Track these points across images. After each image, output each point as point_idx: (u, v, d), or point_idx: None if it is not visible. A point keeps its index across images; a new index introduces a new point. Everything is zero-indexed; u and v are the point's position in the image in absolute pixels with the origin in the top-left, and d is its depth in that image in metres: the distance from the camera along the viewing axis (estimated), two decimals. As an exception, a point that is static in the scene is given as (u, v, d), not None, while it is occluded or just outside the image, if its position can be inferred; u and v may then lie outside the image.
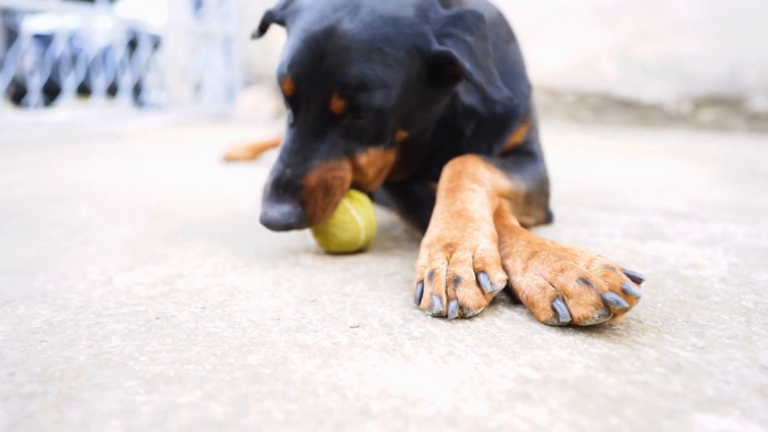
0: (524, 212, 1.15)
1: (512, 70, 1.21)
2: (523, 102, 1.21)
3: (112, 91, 5.02)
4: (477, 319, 0.75)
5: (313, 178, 0.95)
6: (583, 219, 1.40)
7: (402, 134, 1.02)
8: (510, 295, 0.83)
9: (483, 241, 0.83)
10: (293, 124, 0.98)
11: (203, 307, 0.79)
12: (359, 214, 1.03)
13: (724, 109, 3.84)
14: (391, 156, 1.05)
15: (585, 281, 0.69)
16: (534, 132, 1.28)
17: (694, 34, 3.84)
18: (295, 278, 0.93)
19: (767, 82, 3.70)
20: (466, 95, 1.11)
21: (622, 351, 0.66)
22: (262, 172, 2.23)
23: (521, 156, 1.22)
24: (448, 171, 1.02)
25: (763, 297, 0.85)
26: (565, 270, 0.72)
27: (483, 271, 0.78)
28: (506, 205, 1.04)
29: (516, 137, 1.23)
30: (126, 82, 4.45)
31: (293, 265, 1.00)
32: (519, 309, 0.79)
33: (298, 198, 0.95)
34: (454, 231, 0.86)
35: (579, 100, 4.22)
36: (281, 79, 0.96)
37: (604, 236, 1.23)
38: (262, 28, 1.17)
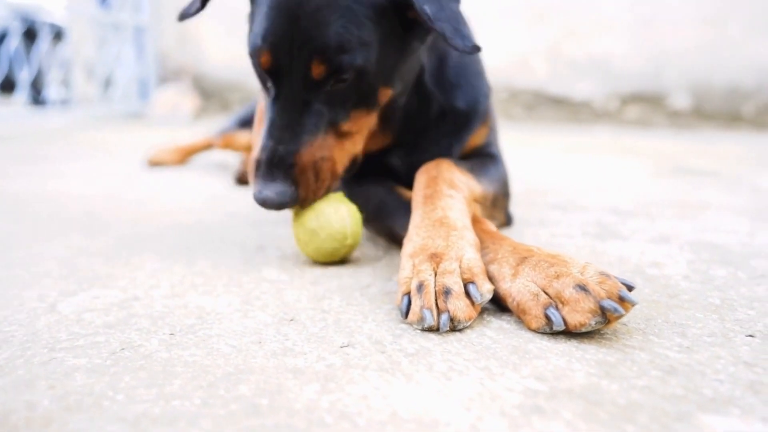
0: (490, 216, 1.18)
1: (469, 66, 1.24)
2: (482, 101, 1.24)
3: (7, 87, 4.65)
4: (467, 331, 0.76)
5: (304, 156, 0.96)
6: (539, 220, 1.45)
7: (386, 92, 1.03)
8: (494, 303, 0.85)
9: (468, 251, 0.84)
10: (276, 98, 0.97)
11: (172, 333, 0.75)
12: (350, 216, 1.03)
13: (648, 106, 4.11)
14: (373, 118, 1.05)
15: (582, 288, 0.71)
16: (494, 134, 1.32)
17: (619, 33, 4.09)
18: (264, 295, 0.90)
19: (686, 80, 4.00)
20: (428, 76, 1.15)
21: (616, 356, 0.69)
22: (195, 177, 2.14)
23: (484, 158, 1.25)
24: (423, 176, 1.03)
25: (726, 293, 0.91)
26: (560, 276, 0.74)
27: (471, 282, 0.79)
28: (478, 210, 1.06)
29: (477, 138, 1.26)
30: (23, 77, 4.14)
31: (258, 280, 0.97)
32: (506, 317, 0.81)
33: (291, 176, 0.95)
34: (437, 240, 0.86)
35: (512, 97, 4.38)
36: (257, 52, 0.95)
37: (564, 237, 1.28)
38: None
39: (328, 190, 1.02)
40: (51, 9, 4.57)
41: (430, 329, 0.75)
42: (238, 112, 2.31)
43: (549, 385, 0.61)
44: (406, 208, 1.08)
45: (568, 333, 0.74)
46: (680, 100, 4.04)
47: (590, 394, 0.60)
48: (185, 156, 2.52)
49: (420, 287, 0.78)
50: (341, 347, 0.71)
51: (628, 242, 1.23)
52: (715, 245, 1.20)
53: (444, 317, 0.74)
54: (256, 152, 0.99)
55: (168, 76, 5.44)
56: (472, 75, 1.24)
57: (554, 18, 4.24)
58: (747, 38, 3.83)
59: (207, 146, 2.47)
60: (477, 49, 0.94)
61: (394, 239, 1.13)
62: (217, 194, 1.84)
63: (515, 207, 1.56)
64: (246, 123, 2.13)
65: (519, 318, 0.78)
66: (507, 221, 1.33)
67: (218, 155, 2.73)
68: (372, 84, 0.98)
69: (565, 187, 1.96)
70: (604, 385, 0.62)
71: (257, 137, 1.05)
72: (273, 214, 1.50)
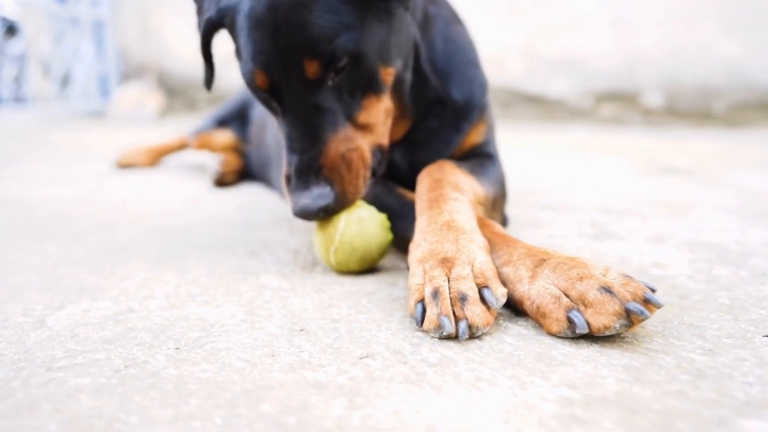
0: (489, 217, 1.18)
1: (461, 53, 1.22)
2: (478, 93, 1.23)
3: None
4: (486, 338, 0.75)
5: (329, 153, 0.94)
6: (533, 220, 1.46)
7: (389, 71, 1.01)
8: (506, 307, 0.84)
9: (479, 254, 0.84)
10: (284, 113, 0.96)
11: (177, 348, 0.72)
12: (377, 228, 1.01)
13: (622, 104, 4.20)
14: (387, 102, 1.04)
15: (607, 290, 0.71)
16: (492, 132, 1.32)
17: (593, 31, 4.16)
18: (268, 305, 0.87)
19: (659, 78, 4.10)
20: (424, 61, 1.14)
21: (641, 360, 0.69)
22: (169, 179, 2.09)
23: (482, 159, 1.24)
24: (426, 179, 1.02)
25: (733, 293, 0.93)
26: (583, 278, 0.74)
27: (486, 286, 0.78)
28: (481, 212, 1.06)
29: (475, 136, 1.25)
30: (-24, 74, 3.97)
31: (258, 288, 0.94)
32: (522, 322, 0.80)
33: (322, 177, 0.93)
34: (447, 244, 0.85)
35: (487, 95, 4.41)
36: (252, 76, 0.93)
37: (561, 238, 1.29)
38: (207, 43, 1.09)
39: (365, 182, 0.99)
40: (2, 2, 4.39)
41: (448, 337, 0.74)
42: (214, 110, 2.26)
43: (582, 393, 0.61)
44: (408, 209, 1.07)
45: (589, 337, 0.74)
46: (653, 99, 4.13)
47: (625, 401, 0.59)
48: (157, 157, 2.45)
49: (435, 294, 0.77)
50: (360, 358, 0.69)
51: (625, 242, 1.25)
52: (711, 244, 1.22)
53: (463, 325, 0.73)
54: (283, 170, 0.98)
55: (130, 72, 5.30)
56: (464, 64, 1.23)
57: (528, 16, 4.29)
58: (718, 37, 3.95)
59: (180, 147, 2.42)
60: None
61: (397, 242, 1.11)
62: (196, 197, 1.79)
63: (508, 207, 1.57)
64: (224, 122, 2.09)
65: (537, 322, 0.78)
66: (503, 223, 1.33)
67: (192, 156, 2.67)
68: (371, 65, 0.96)
69: (552, 187, 1.98)
70: (636, 391, 0.62)
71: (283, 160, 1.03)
72: (260, 218, 1.47)
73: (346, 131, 0.96)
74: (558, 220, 1.46)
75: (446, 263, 0.82)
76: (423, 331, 0.77)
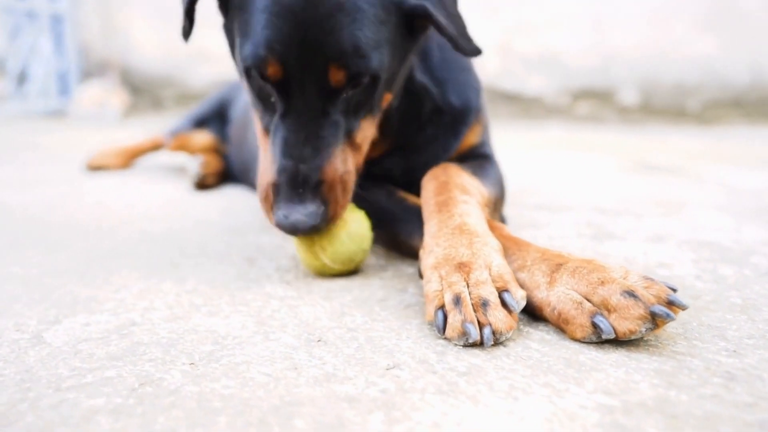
0: (492, 219, 1.18)
1: (455, 60, 1.23)
2: (474, 96, 1.24)
3: None
4: (510, 344, 0.75)
5: (330, 171, 0.92)
6: (529, 221, 1.47)
7: (388, 97, 1.01)
8: (524, 312, 0.84)
9: (495, 257, 0.83)
10: (287, 112, 0.92)
11: (192, 363, 0.70)
12: (365, 221, 1.01)
13: (598, 101, 4.27)
14: (375, 126, 1.03)
15: (630, 294, 0.72)
16: (487, 133, 1.32)
17: (569, 28, 4.23)
18: (277, 314, 0.85)
19: (635, 76, 4.19)
20: (419, 72, 1.14)
21: (670, 364, 0.69)
22: (145, 182, 2.04)
23: (481, 160, 1.25)
24: (432, 182, 1.01)
25: (743, 292, 0.95)
26: (605, 283, 0.74)
27: (505, 290, 0.78)
28: (487, 214, 1.06)
29: (472, 137, 1.26)
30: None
31: (264, 297, 0.92)
32: (542, 327, 0.80)
33: (319, 196, 0.91)
34: (461, 249, 0.85)
35: (464, 93, 4.44)
36: (261, 63, 0.88)
37: (561, 239, 1.30)
38: (191, 12, 1.04)
39: (347, 206, 0.99)
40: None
41: (473, 344, 0.74)
42: (191, 109, 2.22)
43: (619, 399, 0.61)
44: (411, 213, 1.07)
45: (613, 341, 0.75)
46: (629, 96, 4.22)
47: (664, 406, 0.60)
48: (129, 159, 2.39)
49: (457, 300, 0.76)
50: (387, 369, 0.68)
51: (626, 242, 1.26)
52: (710, 243, 1.25)
53: (487, 331, 0.73)
54: (269, 176, 0.93)
55: (92, 70, 5.16)
56: (458, 70, 1.24)
57: (505, 13, 4.33)
58: (692, 36, 4.05)
59: (154, 147, 2.36)
60: (479, 51, 0.98)
61: (398, 247, 1.11)
62: (177, 200, 1.75)
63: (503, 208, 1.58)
64: (203, 122, 2.04)
65: (560, 328, 0.78)
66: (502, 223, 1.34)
67: (167, 157, 2.61)
68: (381, 89, 0.96)
69: (541, 186, 2.00)
70: (672, 396, 0.62)
71: (261, 164, 0.99)
72: (248, 222, 1.45)
73: (344, 149, 0.95)
74: (554, 221, 1.47)
75: (463, 268, 0.81)
76: (445, 339, 0.76)
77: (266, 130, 0.97)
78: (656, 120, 4.21)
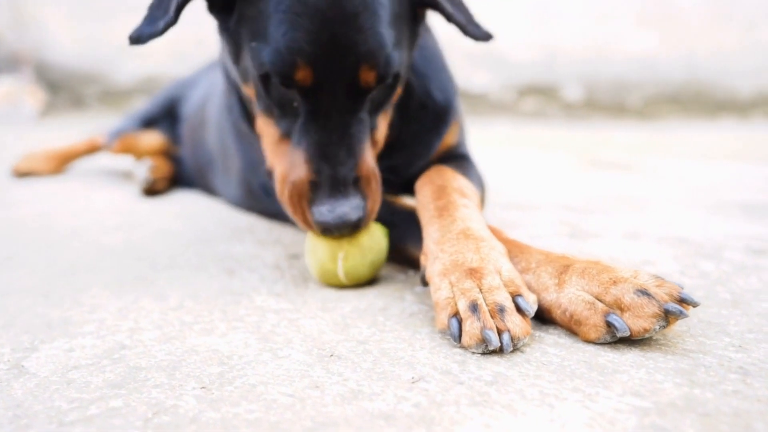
0: None
1: (434, 59, 1.26)
2: (453, 95, 1.27)
3: None
4: (526, 350, 0.77)
5: (364, 168, 0.94)
6: (504, 220, 1.50)
7: (399, 92, 1.03)
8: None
9: (504, 262, 0.85)
10: (314, 114, 0.92)
11: (203, 387, 0.67)
12: (384, 238, 1.01)
13: (543, 97, 4.42)
14: (388, 121, 1.05)
15: (644, 293, 0.75)
16: (463, 133, 1.35)
17: (513, 23, 4.35)
18: (279, 329, 0.84)
19: (578, 72, 4.36)
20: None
21: (686, 362, 0.73)
22: (83, 189, 1.94)
23: (460, 160, 1.27)
24: (428, 186, 1.02)
25: (728, 287, 1.01)
26: (617, 282, 0.77)
27: (518, 295, 0.80)
28: None
29: (451, 137, 1.28)
30: None
31: (258, 311, 0.90)
32: (552, 330, 0.83)
33: (360, 191, 0.92)
34: (468, 254, 0.86)
35: (410, 89, 4.49)
36: (288, 68, 0.88)
37: (541, 238, 1.34)
38: (182, 4, 0.98)
39: (379, 204, 1.00)
40: None
41: (491, 352, 0.75)
42: (138, 108, 2.12)
43: (650, 401, 0.64)
44: (400, 217, 1.07)
45: (626, 343, 0.78)
46: (573, 92, 4.39)
47: (694, 405, 0.63)
48: (62, 163, 2.27)
49: (474, 307, 0.77)
50: (413, 382, 0.68)
51: (605, 240, 1.32)
52: (683, 239, 1.32)
53: (506, 337, 0.74)
54: (300, 174, 0.93)
55: (1, 64, 4.85)
56: (437, 68, 1.26)
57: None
58: (632, 33, 4.26)
59: (89, 150, 2.25)
60: (491, 36, 1.01)
61: (390, 253, 1.11)
62: (126, 208, 1.68)
63: (475, 208, 1.61)
64: (151, 122, 1.96)
65: (571, 329, 0.80)
66: (481, 225, 1.36)
67: (105, 161, 2.49)
68: (398, 85, 0.98)
69: (503, 185, 2.05)
70: (698, 394, 0.65)
71: (280, 168, 0.98)
72: (213, 230, 1.41)
73: (371, 148, 0.97)
74: (527, 220, 1.52)
75: (475, 274, 0.82)
76: (461, 347, 0.77)
77: (284, 135, 0.96)
78: (599, 115, 4.40)
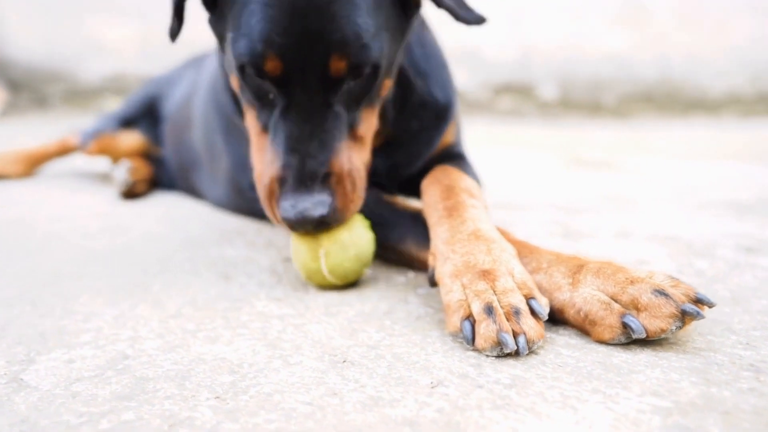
0: None
1: (435, 56, 1.26)
2: (452, 93, 1.27)
3: None
4: (540, 351, 0.77)
5: (337, 165, 0.91)
6: (496, 221, 1.51)
7: (388, 84, 1.02)
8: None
9: (515, 263, 0.85)
10: (287, 107, 0.91)
11: (217, 397, 0.66)
12: (366, 233, 1.00)
13: (519, 96, 4.47)
14: (376, 116, 1.03)
15: (661, 293, 0.76)
16: (460, 132, 1.36)
17: (489, 23, 4.38)
18: (285, 335, 0.83)
19: (553, 70, 4.42)
20: (404, 64, 1.17)
21: (698, 361, 0.74)
22: (58, 192, 1.89)
23: (458, 161, 1.27)
24: (435, 185, 1.02)
25: (727, 285, 1.03)
26: (634, 282, 0.78)
27: (532, 297, 0.80)
28: None
29: (449, 136, 1.29)
30: None
31: (261, 317, 0.89)
32: (562, 331, 0.83)
33: (328, 186, 0.90)
34: (480, 255, 0.86)
35: (386, 88, 4.49)
36: (259, 58, 0.87)
37: (537, 238, 1.35)
38: (180, 11, 1.02)
39: (359, 203, 0.97)
40: None
41: (506, 355, 0.75)
42: (115, 108, 2.06)
43: (670, 400, 0.65)
44: (400, 217, 1.07)
45: (637, 343, 0.79)
46: (548, 91, 4.45)
47: (713, 404, 0.64)
48: (33, 165, 2.21)
49: (489, 310, 0.77)
50: (432, 387, 0.68)
51: (598, 240, 1.33)
52: (674, 238, 1.35)
53: (522, 340, 0.74)
54: (272, 171, 0.92)
55: (-42, 62, 4.70)
56: (438, 66, 1.27)
57: (424, 7, 4.41)
58: (607, 32, 4.33)
59: (62, 151, 2.19)
60: (483, 19, 1.01)
61: (385, 253, 1.10)
62: (106, 212, 1.64)
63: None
64: (130, 122, 1.91)
65: (584, 330, 0.81)
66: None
67: (79, 163, 2.43)
68: (381, 76, 0.96)
69: (490, 184, 2.06)
70: (715, 393, 0.67)
71: (259, 163, 0.97)
72: (201, 233, 1.39)
73: (349, 145, 0.95)
74: (518, 220, 1.53)
75: (488, 276, 0.82)
76: (474, 350, 0.77)
77: (264, 128, 0.95)
78: (575, 114, 4.47)
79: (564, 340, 0.81)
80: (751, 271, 1.10)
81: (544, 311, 0.79)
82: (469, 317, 0.78)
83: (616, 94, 4.43)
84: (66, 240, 1.34)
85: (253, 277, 1.07)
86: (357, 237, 0.97)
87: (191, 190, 1.75)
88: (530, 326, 0.76)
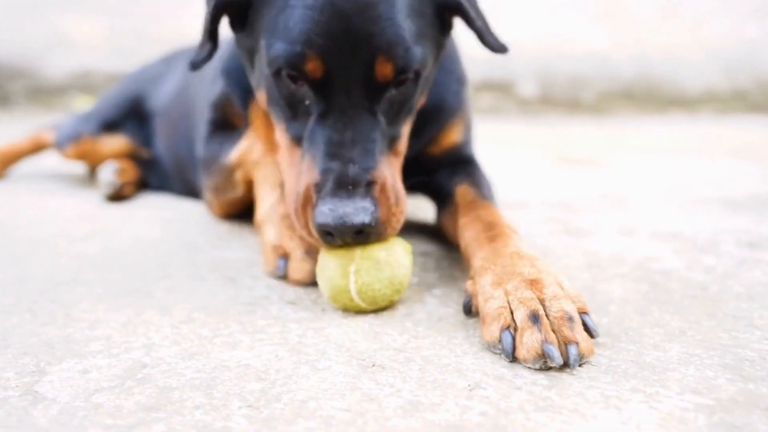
0: None
1: (450, 56, 1.24)
2: (454, 86, 1.25)
3: None
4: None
5: (381, 174, 0.88)
6: (495, 219, 1.52)
7: (422, 101, 1.02)
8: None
9: (564, 278, 0.82)
10: (327, 113, 0.89)
11: (249, 406, 0.64)
12: (406, 256, 0.93)
13: (498, 93, 4.50)
14: (409, 130, 1.02)
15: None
16: (470, 132, 1.33)
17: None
18: (306, 340, 0.81)
19: (533, 67, 4.46)
20: None
21: (729, 357, 0.75)
22: (36, 194, 1.83)
23: (466, 165, 1.25)
24: (476, 223, 1.00)
25: (738, 280, 1.05)
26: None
27: (584, 312, 0.77)
28: None
29: (452, 135, 1.26)
30: None
31: (278, 321, 0.88)
32: (588, 331, 0.84)
33: (371, 195, 0.85)
34: (525, 268, 0.83)
35: (365, 85, 4.48)
36: (297, 59, 0.86)
37: (540, 236, 1.36)
38: (214, 26, 1.02)
39: (401, 222, 0.93)
40: None
41: (551, 368, 0.72)
42: (95, 108, 1.98)
43: (710, 398, 0.65)
44: None
45: (664, 339, 0.80)
46: (528, 88, 4.49)
47: (755, 400, 0.65)
48: (5, 165, 2.13)
49: (535, 318, 0.74)
50: (470, 390, 0.67)
51: (601, 237, 1.35)
52: (675, 235, 1.37)
53: (574, 350, 0.71)
54: (309, 178, 0.88)
55: None
56: (440, 71, 1.23)
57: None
58: (586, 29, 4.39)
59: (36, 149, 2.12)
60: (506, 49, 1.03)
61: None
62: (92, 215, 1.60)
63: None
64: (114, 124, 1.83)
65: None
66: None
67: (47, 162, 2.36)
68: (420, 87, 0.96)
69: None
70: (753, 389, 0.67)
71: (290, 176, 0.94)
72: (197, 236, 1.36)
73: (390, 160, 0.94)
74: (517, 219, 1.52)
75: (535, 285, 0.79)
76: (520, 361, 0.73)
77: (295, 140, 0.93)
78: (554, 111, 4.52)
79: (593, 340, 0.81)
80: (758, 266, 1.13)
81: (597, 328, 0.76)
82: (509, 327, 0.75)
83: (596, 91, 4.50)
84: (53, 245, 1.29)
85: (260, 280, 1.05)
86: (394, 259, 0.89)
87: (187, 188, 1.70)
88: (583, 338, 0.73)
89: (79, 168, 2.24)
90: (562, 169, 2.44)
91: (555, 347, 0.71)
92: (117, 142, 1.82)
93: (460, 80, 1.26)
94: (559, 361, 0.70)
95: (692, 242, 1.30)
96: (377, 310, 0.90)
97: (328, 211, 0.83)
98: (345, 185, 0.84)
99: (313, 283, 0.93)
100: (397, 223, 0.91)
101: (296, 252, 0.93)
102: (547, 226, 1.46)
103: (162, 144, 1.79)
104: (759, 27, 4.55)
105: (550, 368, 0.72)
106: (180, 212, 1.59)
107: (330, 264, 0.90)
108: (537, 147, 3.15)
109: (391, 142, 0.94)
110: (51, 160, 2.37)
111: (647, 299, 0.96)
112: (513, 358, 0.74)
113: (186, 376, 0.71)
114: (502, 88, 4.48)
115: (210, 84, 1.35)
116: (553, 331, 0.73)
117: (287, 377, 0.71)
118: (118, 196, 1.72)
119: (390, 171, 0.92)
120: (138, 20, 4.41)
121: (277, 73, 0.89)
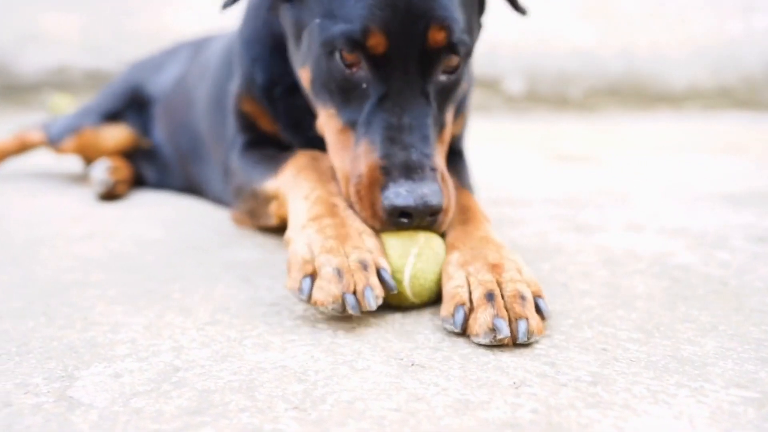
0: None
1: None
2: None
3: None
4: (607, 346, 0.78)
5: (439, 162, 0.92)
6: (501, 217, 1.53)
7: (464, 88, 1.07)
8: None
9: (524, 265, 0.88)
10: (385, 97, 0.90)
11: (296, 408, 0.64)
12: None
13: (486, 90, 4.53)
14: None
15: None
16: (465, 128, 1.37)
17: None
18: (339, 339, 0.81)
19: (519, 64, 4.50)
20: None
21: (764, 351, 0.77)
22: (22, 195, 1.79)
23: (456, 158, 1.28)
24: None
25: (756, 275, 1.07)
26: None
27: (539, 296, 0.83)
28: None
29: (454, 128, 1.29)
30: None
31: (305, 321, 0.87)
32: (622, 326, 0.85)
33: (436, 179, 0.88)
34: (491, 253, 0.88)
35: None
36: (361, 35, 0.87)
37: (547, 234, 1.37)
38: None
39: (454, 214, 0.96)
40: None
41: (499, 342, 0.77)
42: (94, 99, 1.93)
43: (756, 391, 0.67)
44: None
45: (702, 332, 0.81)
46: (515, 85, 4.53)
47: (797, 393, 0.67)
48: (-12, 164, 2.09)
49: (490, 296, 0.79)
50: (516, 388, 0.68)
51: (610, 233, 1.37)
52: (683, 230, 1.39)
53: (523, 325, 0.76)
54: (371, 160, 0.90)
55: None
56: None
57: None
58: (572, 26, 4.44)
59: (22, 149, 2.07)
60: (526, 11, 1.19)
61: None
62: (87, 214, 1.57)
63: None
64: (116, 114, 1.79)
65: None
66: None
67: (30, 161, 2.32)
68: (467, 74, 1.00)
69: (482, 180, 2.08)
70: (792, 382, 0.69)
71: (341, 160, 0.95)
72: (203, 235, 1.35)
73: (439, 147, 0.96)
74: (524, 216, 1.55)
75: (496, 269, 0.85)
76: (464, 335, 0.80)
77: (349, 125, 0.93)
78: (541, 108, 4.57)
79: (626, 335, 0.82)
80: (773, 261, 1.15)
81: (549, 311, 0.82)
82: (464, 304, 0.80)
83: (582, 88, 4.55)
84: (53, 246, 1.27)
85: (277, 280, 1.05)
86: (443, 257, 0.91)
87: (189, 181, 1.66)
88: (533, 316, 0.79)
89: (66, 167, 2.21)
90: (558, 166, 2.47)
91: (504, 321, 0.76)
92: (119, 131, 1.79)
93: (470, 78, 1.28)
94: (506, 333, 0.75)
95: (702, 238, 1.32)
96: (410, 308, 0.91)
97: (406, 192, 0.85)
98: (413, 170, 0.87)
99: (333, 312, 0.83)
100: (453, 214, 0.95)
101: (325, 269, 0.82)
102: (555, 223, 1.47)
103: (162, 132, 1.76)
104: (743, 24, 4.65)
105: (501, 345, 0.77)
106: (179, 211, 1.58)
107: (392, 242, 0.89)
108: (526, 144, 3.18)
109: (440, 129, 0.97)
110: (34, 159, 2.32)
111: (671, 294, 0.98)
112: (461, 332, 0.80)
113: (223, 378, 0.71)
114: (489, 85, 4.51)
115: (219, 69, 1.35)
116: (506, 309, 0.78)
117: (328, 378, 0.70)
118: (110, 194, 1.69)
119: (441, 160, 0.95)
120: (115, 15, 4.35)
121: (330, 54, 0.90)
